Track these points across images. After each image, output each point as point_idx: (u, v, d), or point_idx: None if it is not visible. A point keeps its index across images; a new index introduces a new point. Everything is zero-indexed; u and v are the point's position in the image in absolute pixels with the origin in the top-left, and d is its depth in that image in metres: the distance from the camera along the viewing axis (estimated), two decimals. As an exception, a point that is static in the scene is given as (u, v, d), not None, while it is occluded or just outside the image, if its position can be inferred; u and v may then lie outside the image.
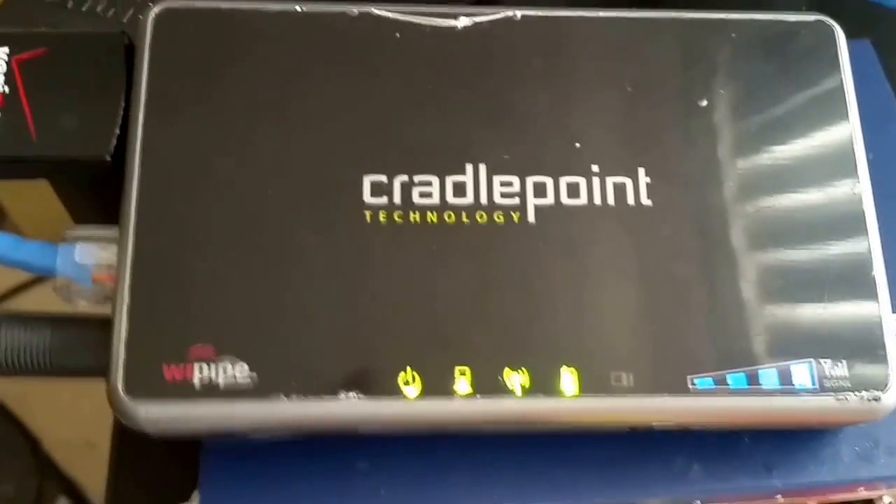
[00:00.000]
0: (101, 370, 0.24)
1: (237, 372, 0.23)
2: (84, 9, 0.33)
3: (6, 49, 0.27)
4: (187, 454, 0.27)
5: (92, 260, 0.25)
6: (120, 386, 0.23)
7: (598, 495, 0.26)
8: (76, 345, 0.24)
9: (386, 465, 0.26)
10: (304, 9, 0.27)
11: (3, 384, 0.82)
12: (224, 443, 0.26)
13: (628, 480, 0.27)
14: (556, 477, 0.27)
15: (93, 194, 0.29)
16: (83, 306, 0.26)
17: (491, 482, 0.27)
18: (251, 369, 0.23)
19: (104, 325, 0.24)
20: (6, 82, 0.26)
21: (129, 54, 0.27)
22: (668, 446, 0.27)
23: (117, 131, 0.26)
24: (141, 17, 0.29)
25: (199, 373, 0.23)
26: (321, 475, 0.26)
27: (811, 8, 0.39)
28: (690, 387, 0.24)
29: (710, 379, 0.25)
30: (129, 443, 0.34)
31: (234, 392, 0.23)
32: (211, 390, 0.23)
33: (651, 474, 0.27)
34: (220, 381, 0.23)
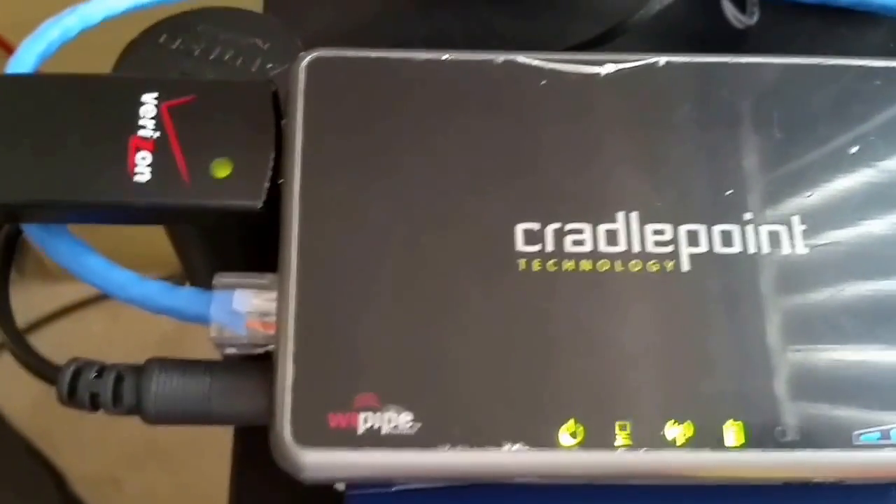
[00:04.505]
0: (261, 417, 0.24)
1: (401, 421, 0.23)
2: (212, 57, 0.33)
3: (155, 94, 0.27)
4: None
5: (247, 307, 0.25)
6: (287, 433, 0.23)
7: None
8: (237, 392, 0.24)
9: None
10: (450, 57, 0.27)
11: (27, 419, 0.83)
12: (366, 494, 0.26)
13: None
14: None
15: (236, 241, 0.29)
16: (232, 353, 0.26)
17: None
18: (415, 419, 0.23)
19: (264, 372, 0.24)
20: (155, 127, 0.27)
21: (276, 103, 0.27)
22: (819, 498, 0.27)
23: (269, 180, 0.26)
24: (269, 68, 0.31)
25: (364, 422, 0.23)
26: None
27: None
28: (855, 441, 0.24)
29: (877, 433, 0.24)
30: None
31: (397, 441, 0.23)
32: (375, 439, 0.23)
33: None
34: (384, 429, 0.23)
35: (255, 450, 0.26)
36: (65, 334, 0.87)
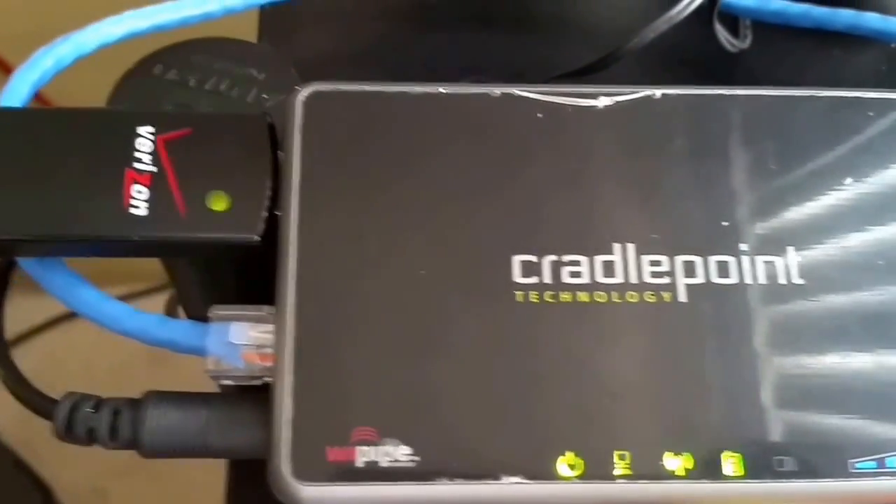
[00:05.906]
0: (259, 451, 0.23)
1: (399, 454, 0.23)
2: (207, 88, 0.33)
3: (151, 128, 0.27)
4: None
5: (244, 339, 0.25)
6: (286, 468, 0.22)
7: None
8: (234, 426, 0.24)
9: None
10: (446, 90, 0.27)
11: (12, 431, 0.82)
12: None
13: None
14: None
15: (233, 274, 0.29)
16: (228, 386, 0.26)
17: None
18: (413, 452, 0.23)
19: (261, 406, 0.24)
20: (152, 161, 0.27)
21: (272, 135, 0.27)
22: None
23: (266, 212, 0.26)
24: (265, 98, 0.31)
25: (363, 456, 0.23)
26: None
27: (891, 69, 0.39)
28: (852, 470, 0.24)
29: (872, 462, 0.24)
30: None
31: (395, 475, 0.23)
32: (373, 473, 0.23)
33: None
34: (383, 463, 0.23)
35: (250, 468, 0.25)
36: (53, 346, 0.86)
